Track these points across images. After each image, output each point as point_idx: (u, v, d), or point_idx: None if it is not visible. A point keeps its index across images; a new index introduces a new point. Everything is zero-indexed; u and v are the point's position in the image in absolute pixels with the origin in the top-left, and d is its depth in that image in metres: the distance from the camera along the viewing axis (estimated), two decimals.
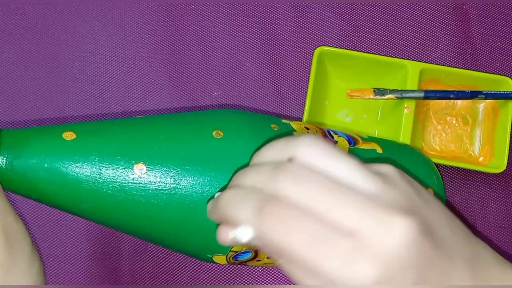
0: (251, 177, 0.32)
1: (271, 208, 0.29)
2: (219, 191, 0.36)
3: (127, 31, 0.58)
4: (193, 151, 0.41)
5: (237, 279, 0.55)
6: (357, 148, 0.46)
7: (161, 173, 0.40)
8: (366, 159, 0.45)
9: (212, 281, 0.55)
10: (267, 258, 0.44)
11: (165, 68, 0.58)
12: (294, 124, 0.45)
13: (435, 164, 0.56)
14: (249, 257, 0.43)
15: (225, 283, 0.55)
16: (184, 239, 0.42)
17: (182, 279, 0.55)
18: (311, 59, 0.55)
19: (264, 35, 0.58)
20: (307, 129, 0.45)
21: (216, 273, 0.54)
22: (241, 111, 0.44)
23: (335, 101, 0.57)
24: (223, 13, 0.58)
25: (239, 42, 0.58)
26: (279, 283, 0.55)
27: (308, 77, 0.54)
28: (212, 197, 0.35)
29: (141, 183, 0.40)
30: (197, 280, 0.55)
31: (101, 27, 0.58)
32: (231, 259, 0.42)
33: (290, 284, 0.55)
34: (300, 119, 0.54)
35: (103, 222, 0.42)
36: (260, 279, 0.55)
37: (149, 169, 0.40)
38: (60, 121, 0.57)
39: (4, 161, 0.38)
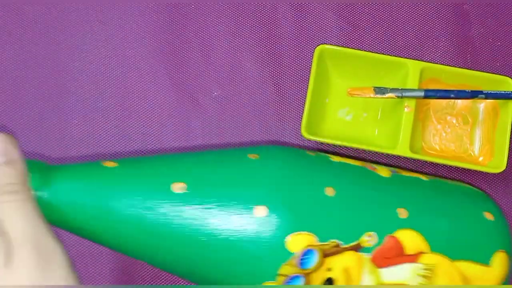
0: None
1: None
2: None
3: (127, 31, 0.58)
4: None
5: None
6: (400, 175, 0.46)
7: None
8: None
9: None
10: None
11: (165, 68, 0.58)
12: (333, 157, 0.45)
13: (435, 164, 0.56)
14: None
15: None
16: (230, 271, 0.41)
17: (182, 279, 0.55)
18: (311, 59, 0.55)
19: (264, 35, 0.58)
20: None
21: None
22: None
23: (335, 100, 0.57)
24: (223, 13, 0.58)
25: (239, 42, 0.58)
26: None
27: (308, 76, 0.54)
28: None
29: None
30: None
31: (101, 27, 0.58)
32: None
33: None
34: (300, 118, 0.54)
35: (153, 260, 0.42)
36: None
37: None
38: (59, 121, 0.57)
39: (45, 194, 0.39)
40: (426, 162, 0.56)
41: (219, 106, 0.57)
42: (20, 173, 0.38)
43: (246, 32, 0.58)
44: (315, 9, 0.58)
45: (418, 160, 0.55)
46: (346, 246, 0.42)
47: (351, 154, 0.56)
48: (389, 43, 0.58)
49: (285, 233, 0.40)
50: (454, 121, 0.56)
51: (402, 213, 0.44)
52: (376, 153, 0.56)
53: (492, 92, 0.54)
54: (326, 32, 0.58)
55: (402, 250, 0.43)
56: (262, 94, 0.57)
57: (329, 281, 0.40)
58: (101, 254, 0.55)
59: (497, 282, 0.45)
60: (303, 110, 0.54)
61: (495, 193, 0.56)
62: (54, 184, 0.40)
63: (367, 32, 0.58)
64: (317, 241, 0.41)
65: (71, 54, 0.58)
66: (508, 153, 0.54)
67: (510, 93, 0.54)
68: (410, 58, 0.55)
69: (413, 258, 0.43)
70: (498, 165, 0.54)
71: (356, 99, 0.56)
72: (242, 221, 0.40)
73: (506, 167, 0.53)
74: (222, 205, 0.40)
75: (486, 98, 0.54)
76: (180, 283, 0.55)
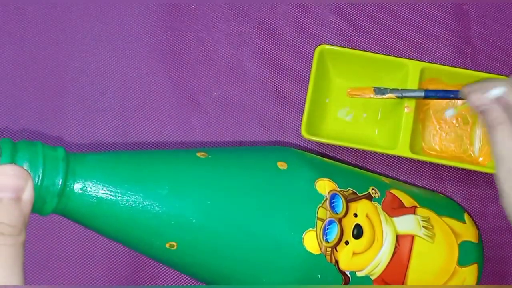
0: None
1: None
2: None
3: (127, 31, 0.58)
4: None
5: None
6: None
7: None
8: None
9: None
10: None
11: (165, 68, 0.58)
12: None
13: (435, 163, 0.56)
14: (336, 233, 0.44)
15: None
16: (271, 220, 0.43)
17: (182, 279, 0.55)
18: (311, 59, 0.55)
19: (264, 35, 0.58)
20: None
21: None
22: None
23: (336, 100, 0.57)
24: (223, 13, 0.58)
25: (239, 42, 0.58)
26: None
27: (308, 76, 0.54)
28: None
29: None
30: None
31: (101, 27, 0.58)
32: (321, 235, 0.43)
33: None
34: (300, 118, 0.54)
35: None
36: None
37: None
38: (59, 121, 0.57)
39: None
40: (426, 162, 0.56)
41: (219, 106, 0.57)
42: (22, 216, 0.34)
43: (246, 32, 0.58)
44: (315, 9, 0.58)
45: (418, 160, 0.55)
46: (361, 194, 0.47)
47: (351, 155, 0.56)
48: (389, 43, 0.58)
49: (312, 178, 0.45)
50: (454, 122, 0.56)
51: (386, 180, 0.53)
52: (376, 153, 0.56)
53: None
54: (326, 32, 0.58)
55: (401, 202, 0.49)
56: (262, 94, 0.57)
57: (357, 228, 0.45)
58: (101, 254, 0.55)
59: (475, 238, 0.51)
60: (303, 110, 0.54)
61: (495, 193, 0.56)
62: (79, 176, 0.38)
63: (367, 32, 0.58)
64: (338, 187, 0.46)
65: (71, 54, 0.58)
66: None
67: None
68: (410, 58, 0.55)
69: (412, 210, 0.49)
70: None
71: (356, 100, 0.56)
72: (271, 174, 0.44)
73: None
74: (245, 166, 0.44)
75: None
76: (180, 283, 0.55)
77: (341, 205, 0.45)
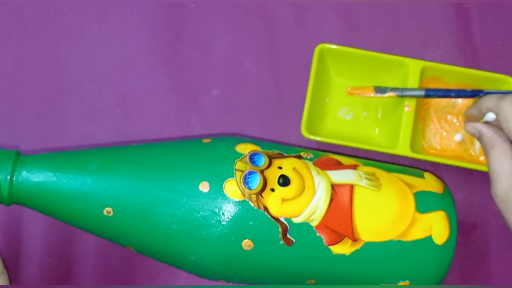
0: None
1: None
2: None
3: (127, 30, 0.58)
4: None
5: None
6: None
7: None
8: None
9: (212, 281, 0.54)
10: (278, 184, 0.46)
11: (165, 67, 0.58)
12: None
13: (435, 162, 0.56)
14: (259, 181, 0.46)
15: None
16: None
17: (182, 279, 0.55)
18: (311, 58, 0.54)
19: (264, 34, 0.58)
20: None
21: None
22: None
23: (336, 99, 0.57)
24: (223, 12, 0.58)
25: (239, 41, 0.58)
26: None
27: (308, 75, 0.54)
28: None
29: None
30: (197, 280, 0.54)
31: (100, 26, 0.58)
32: (242, 183, 0.45)
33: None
34: (300, 118, 0.54)
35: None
36: None
37: None
38: (58, 120, 0.56)
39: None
40: (426, 161, 0.56)
41: (219, 105, 0.57)
42: None
43: (246, 31, 0.58)
44: (315, 8, 0.58)
45: (418, 159, 0.55)
46: (288, 154, 0.49)
47: (351, 154, 0.56)
48: (389, 42, 0.58)
49: (232, 143, 0.48)
50: (455, 120, 0.56)
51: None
52: (377, 152, 0.56)
53: (493, 91, 0.54)
54: (326, 30, 0.58)
55: (339, 161, 0.50)
56: (262, 93, 0.57)
57: (283, 177, 0.46)
58: (101, 254, 0.55)
59: (437, 189, 0.51)
60: (303, 109, 0.53)
61: None
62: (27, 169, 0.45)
63: (367, 31, 0.58)
64: (261, 149, 0.49)
65: (70, 53, 0.58)
66: None
67: (511, 92, 0.54)
68: (410, 57, 0.55)
69: (352, 166, 0.50)
70: None
71: (356, 98, 0.56)
72: (195, 146, 0.49)
73: None
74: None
75: None
76: (180, 283, 0.55)
77: (262, 159, 0.47)
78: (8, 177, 0.44)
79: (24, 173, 0.45)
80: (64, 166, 0.46)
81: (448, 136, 0.56)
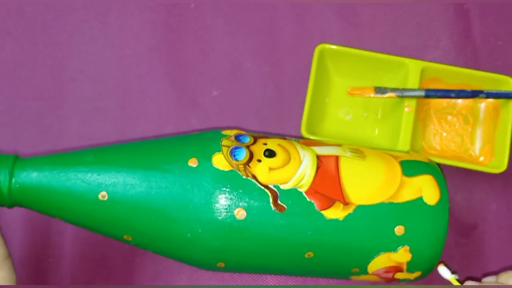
0: None
1: None
2: None
3: (126, 30, 0.58)
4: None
5: (237, 279, 0.54)
6: None
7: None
8: None
9: (212, 281, 0.54)
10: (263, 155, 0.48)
11: (165, 67, 0.57)
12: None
13: (435, 163, 0.56)
14: (245, 154, 0.47)
15: (225, 282, 0.54)
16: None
17: (182, 279, 0.55)
18: (311, 58, 0.54)
19: (264, 34, 0.58)
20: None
21: (215, 273, 0.54)
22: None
23: (336, 99, 0.57)
24: (223, 12, 0.58)
25: (239, 41, 0.58)
26: (279, 283, 0.54)
27: (308, 76, 0.54)
28: None
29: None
30: (197, 280, 0.54)
31: (100, 27, 0.58)
32: (229, 155, 0.47)
33: (290, 284, 0.54)
34: (300, 118, 0.54)
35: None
36: (260, 279, 0.54)
37: None
38: (58, 120, 0.56)
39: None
40: None
41: (219, 106, 0.57)
42: None
43: (246, 31, 0.58)
44: (315, 8, 0.58)
45: None
46: (273, 136, 0.50)
47: None
48: (389, 42, 0.58)
49: (220, 130, 0.50)
50: (455, 121, 0.56)
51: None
52: None
53: (493, 91, 0.54)
54: (326, 31, 0.58)
55: (323, 143, 0.51)
56: (262, 93, 0.57)
57: (268, 150, 0.47)
58: (100, 254, 0.55)
59: (424, 159, 0.50)
60: (303, 109, 0.53)
61: (496, 193, 0.56)
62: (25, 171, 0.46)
63: (367, 31, 0.58)
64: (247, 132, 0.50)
65: (70, 54, 0.58)
66: (509, 153, 0.54)
67: (511, 93, 0.54)
68: (410, 57, 0.55)
69: (336, 144, 0.50)
70: (498, 165, 0.54)
71: (356, 99, 0.56)
72: (185, 137, 0.50)
73: (507, 167, 0.53)
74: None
75: (487, 97, 0.54)
76: (180, 283, 0.55)
77: (247, 138, 0.48)
78: (7, 180, 0.45)
79: (23, 175, 0.46)
80: (61, 164, 0.47)
81: (448, 136, 0.56)
